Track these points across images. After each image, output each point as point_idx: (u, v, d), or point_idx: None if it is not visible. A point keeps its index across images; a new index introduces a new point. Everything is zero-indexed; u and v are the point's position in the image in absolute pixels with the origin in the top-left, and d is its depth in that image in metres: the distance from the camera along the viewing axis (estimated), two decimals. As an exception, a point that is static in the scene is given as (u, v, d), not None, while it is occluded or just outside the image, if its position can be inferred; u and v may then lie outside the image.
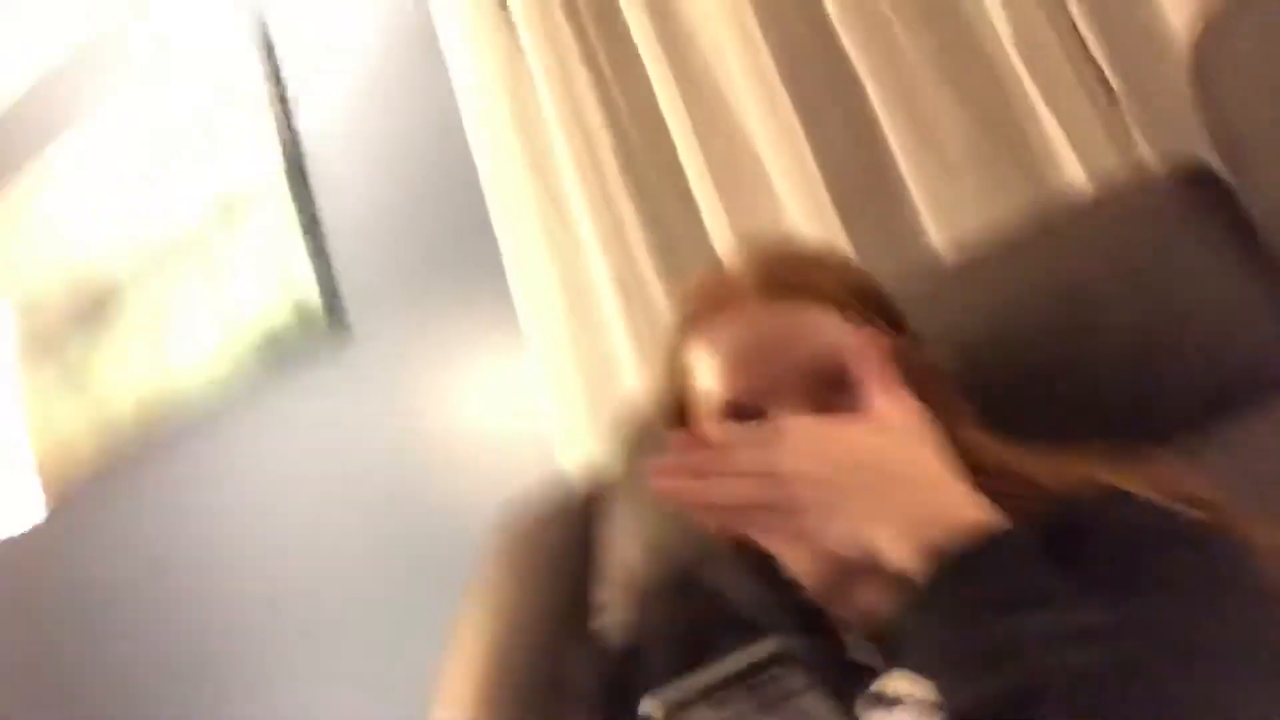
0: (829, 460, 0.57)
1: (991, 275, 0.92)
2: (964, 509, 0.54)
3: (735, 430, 0.67)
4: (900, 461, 0.57)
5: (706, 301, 0.76)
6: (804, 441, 0.58)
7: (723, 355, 0.72)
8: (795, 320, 0.72)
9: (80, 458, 2.09)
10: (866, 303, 0.75)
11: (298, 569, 1.82)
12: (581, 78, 1.45)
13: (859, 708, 0.61)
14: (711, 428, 0.72)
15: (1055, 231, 0.91)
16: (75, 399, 2.13)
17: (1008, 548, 0.52)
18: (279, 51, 1.96)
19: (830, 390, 0.67)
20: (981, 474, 0.64)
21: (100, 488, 2.07)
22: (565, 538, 1.06)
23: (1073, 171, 1.09)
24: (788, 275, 0.75)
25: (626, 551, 0.97)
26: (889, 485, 0.55)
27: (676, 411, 0.78)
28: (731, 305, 0.74)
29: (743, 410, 0.70)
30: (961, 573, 0.51)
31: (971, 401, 0.76)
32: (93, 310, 2.15)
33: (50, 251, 2.24)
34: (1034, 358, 0.82)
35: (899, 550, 0.53)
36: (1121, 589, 0.54)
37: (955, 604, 0.51)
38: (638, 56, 1.41)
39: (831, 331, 0.71)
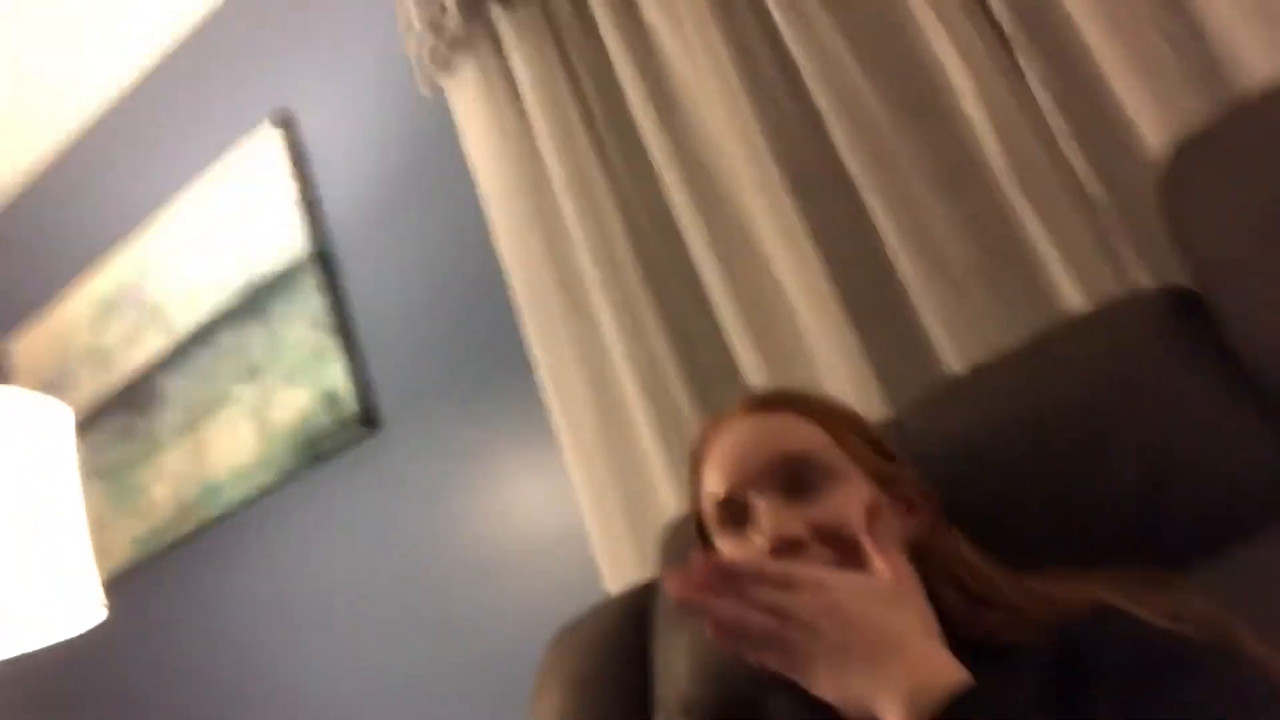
0: (838, 618, 0.64)
1: (995, 389, 0.99)
2: (946, 676, 0.61)
3: (758, 562, 0.75)
4: (893, 632, 0.64)
5: (709, 431, 0.89)
6: (819, 594, 0.65)
7: (712, 461, 0.86)
8: (770, 423, 0.85)
9: (125, 560, 2.16)
10: (850, 425, 0.87)
11: (335, 655, 1.87)
12: (600, 186, 1.54)
13: None
14: (730, 551, 0.82)
15: (1051, 349, 0.97)
16: (117, 504, 2.22)
17: (983, 706, 0.58)
18: (306, 149, 2.06)
19: (798, 483, 0.80)
20: (977, 589, 0.73)
21: (144, 589, 2.13)
22: (618, 657, 1.12)
23: (1069, 287, 1.16)
24: (770, 396, 0.90)
25: (678, 672, 1.03)
26: (885, 653, 0.63)
27: (701, 532, 0.89)
28: (724, 425, 0.87)
29: (732, 504, 0.82)
30: None
31: (980, 513, 0.84)
32: (139, 411, 2.24)
33: (93, 362, 2.34)
34: (1045, 471, 0.89)
35: (893, 715, 0.60)
36: (1122, 709, 0.59)
37: None
38: (654, 170, 1.50)
39: (803, 433, 0.84)
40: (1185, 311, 0.91)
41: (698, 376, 1.44)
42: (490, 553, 1.71)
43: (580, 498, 1.50)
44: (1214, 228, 0.90)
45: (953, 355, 1.22)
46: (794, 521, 0.77)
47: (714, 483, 0.84)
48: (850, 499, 0.79)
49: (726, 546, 0.82)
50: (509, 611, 1.64)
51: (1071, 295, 1.16)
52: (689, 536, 1.12)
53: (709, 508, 0.85)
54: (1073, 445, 0.88)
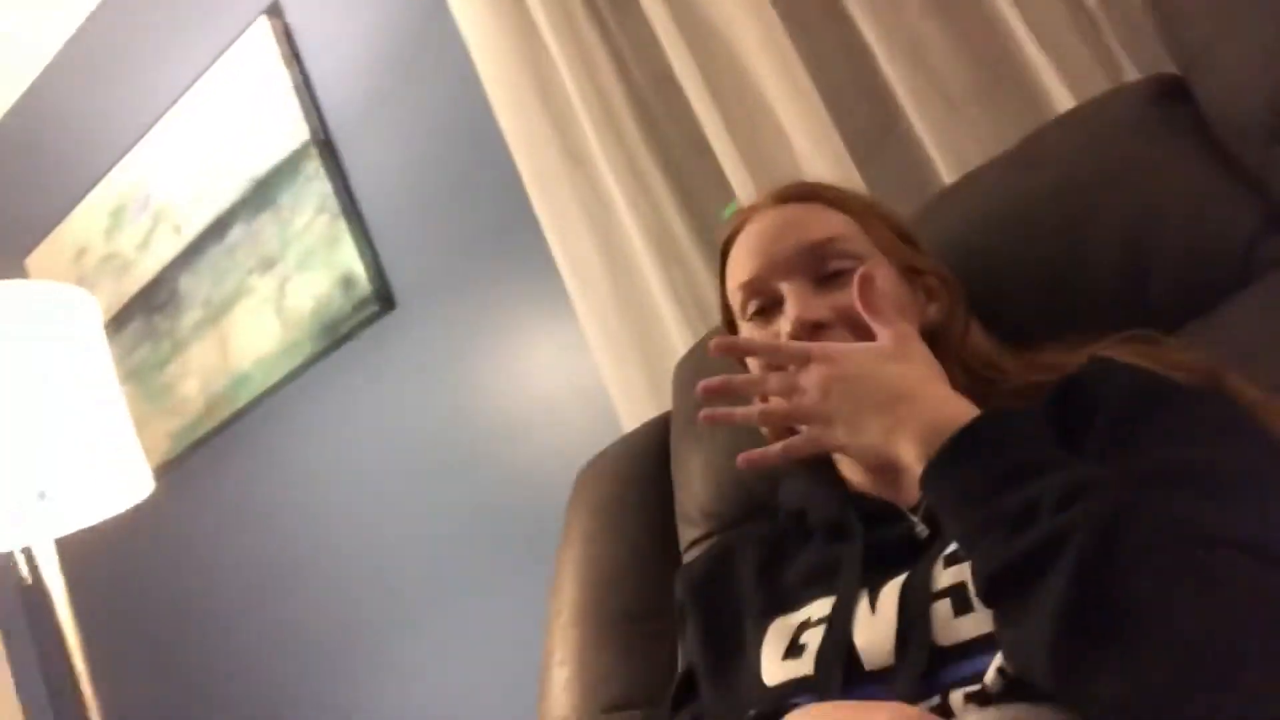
0: (847, 381, 0.68)
1: (987, 189, 1.02)
2: (954, 411, 0.64)
3: (770, 341, 0.80)
4: (902, 382, 0.68)
5: (738, 221, 0.91)
6: (827, 363, 0.69)
7: (740, 249, 0.87)
8: (798, 213, 0.87)
9: (164, 455, 2.24)
10: (877, 215, 0.89)
11: (373, 521, 1.95)
12: (594, 43, 1.55)
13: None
14: (745, 331, 0.85)
15: (1039, 147, 1.00)
16: (149, 403, 2.29)
17: (993, 431, 0.61)
18: (298, 36, 2.06)
19: (824, 269, 0.82)
20: (984, 372, 0.78)
21: (185, 479, 2.22)
22: (642, 481, 1.18)
23: (1065, 100, 1.17)
24: (798, 187, 0.91)
25: (696, 485, 1.09)
26: (895, 401, 0.66)
27: (729, 325, 0.92)
28: (753, 216, 0.89)
29: (759, 289, 0.84)
30: (956, 461, 0.61)
31: (979, 306, 0.87)
32: (155, 317, 2.30)
33: (110, 270, 2.39)
34: (1035, 259, 0.92)
35: (913, 454, 0.64)
36: (1122, 442, 0.63)
37: (960, 488, 0.60)
38: (647, 20, 1.50)
39: (830, 221, 0.85)
40: (1168, 97, 0.93)
41: (702, 223, 1.48)
42: (514, 411, 1.77)
43: (595, 351, 1.55)
44: (1192, 10, 0.92)
45: (951, 176, 1.25)
46: (819, 305, 0.80)
47: (742, 270, 0.86)
48: (880, 288, 0.80)
49: (752, 333, 0.85)
50: (536, 463, 1.71)
51: (1068, 106, 1.18)
52: (700, 366, 1.18)
53: (736, 295, 0.87)
54: (1060, 229, 0.92)
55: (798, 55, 1.37)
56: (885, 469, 0.71)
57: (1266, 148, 0.86)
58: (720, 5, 1.44)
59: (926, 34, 1.28)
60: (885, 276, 0.82)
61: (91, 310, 1.57)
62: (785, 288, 0.82)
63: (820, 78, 1.36)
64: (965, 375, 0.82)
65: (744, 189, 1.40)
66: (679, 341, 1.43)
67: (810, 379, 0.69)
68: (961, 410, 0.64)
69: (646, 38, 1.52)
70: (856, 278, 0.76)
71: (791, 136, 1.37)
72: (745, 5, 1.40)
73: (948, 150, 1.25)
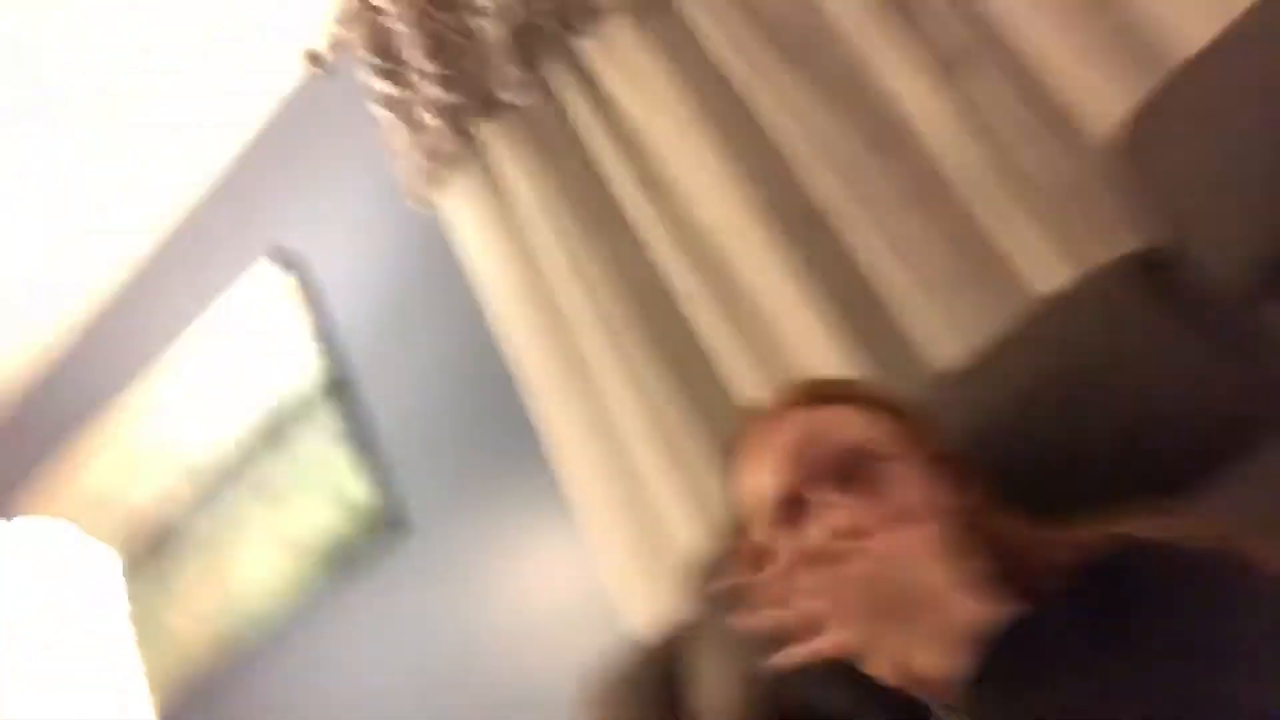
0: (869, 589, 0.67)
1: (985, 376, 1.03)
2: (974, 617, 0.63)
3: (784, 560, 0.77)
4: (922, 589, 0.67)
5: (756, 425, 0.89)
6: (852, 575, 0.68)
7: (766, 457, 0.85)
8: (827, 417, 0.85)
9: (160, 693, 2.14)
10: (897, 409, 0.88)
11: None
12: (595, 270, 1.60)
13: None
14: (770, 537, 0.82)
15: (1032, 332, 1.02)
16: (150, 646, 2.22)
17: (1019, 637, 0.61)
18: (315, 282, 2.15)
19: (859, 475, 0.80)
20: (1014, 553, 0.76)
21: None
22: (653, 684, 1.13)
23: (1039, 278, 1.22)
24: (820, 388, 0.91)
25: (718, 684, 1.04)
26: (912, 610, 0.66)
27: (744, 537, 0.89)
28: (775, 419, 0.87)
29: (793, 498, 0.82)
30: (987, 673, 0.60)
31: (997, 486, 0.87)
32: (157, 552, 2.26)
33: (115, 511, 2.38)
34: (1040, 440, 0.92)
35: (936, 665, 0.62)
36: (1151, 624, 0.62)
37: (990, 702, 0.60)
38: (646, 243, 1.57)
39: (859, 424, 0.84)
40: (1146, 270, 0.96)
41: (706, 425, 1.48)
42: (530, 631, 1.72)
43: (603, 567, 1.53)
44: (1171, 184, 0.95)
45: (937, 360, 1.27)
46: (858, 512, 0.78)
47: (772, 479, 0.84)
48: (913, 486, 0.81)
49: (782, 540, 0.82)
50: (554, 683, 1.63)
51: (1042, 283, 1.21)
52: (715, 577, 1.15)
53: (765, 504, 0.84)
54: (1062, 410, 0.93)
55: (788, 262, 1.42)
56: (904, 675, 0.68)
57: (1251, 311, 0.88)
58: (714, 225, 1.51)
59: (907, 231, 1.33)
60: (915, 473, 0.82)
61: (114, 566, 1.55)
62: (821, 497, 0.80)
63: (811, 280, 1.41)
64: (994, 556, 0.80)
65: (744, 382, 1.43)
66: (687, 546, 1.40)
67: (821, 581, 0.68)
68: (984, 615, 0.63)
69: (646, 259, 1.58)
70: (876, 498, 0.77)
71: (791, 338, 1.41)
72: (735, 220, 1.47)
73: (932, 335, 1.29)
